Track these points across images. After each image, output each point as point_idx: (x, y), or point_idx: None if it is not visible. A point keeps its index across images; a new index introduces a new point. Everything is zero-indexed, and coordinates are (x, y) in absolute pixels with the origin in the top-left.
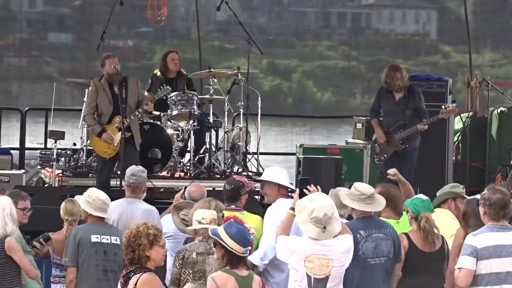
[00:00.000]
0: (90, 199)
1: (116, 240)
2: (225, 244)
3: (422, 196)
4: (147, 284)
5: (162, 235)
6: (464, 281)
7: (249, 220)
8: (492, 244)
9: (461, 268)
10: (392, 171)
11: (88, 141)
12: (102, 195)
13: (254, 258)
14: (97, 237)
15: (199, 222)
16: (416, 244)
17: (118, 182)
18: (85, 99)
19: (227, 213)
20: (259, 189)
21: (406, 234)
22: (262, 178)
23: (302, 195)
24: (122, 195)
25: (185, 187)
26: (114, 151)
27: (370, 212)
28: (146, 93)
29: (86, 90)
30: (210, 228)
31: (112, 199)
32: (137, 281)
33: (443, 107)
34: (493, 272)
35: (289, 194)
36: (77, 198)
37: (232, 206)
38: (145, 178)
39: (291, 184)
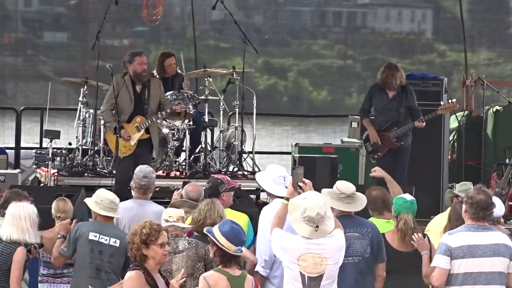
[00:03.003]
0: (98, 199)
1: (115, 243)
2: (216, 241)
3: (406, 196)
4: (128, 281)
5: (160, 234)
6: (438, 279)
7: (232, 217)
8: (466, 243)
9: (435, 266)
10: (375, 168)
11: (84, 141)
12: (110, 195)
13: (257, 268)
14: (95, 235)
15: (166, 221)
16: (391, 244)
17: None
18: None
19: None
20: (247, 188)
21: (382, 234)
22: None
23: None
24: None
25: (184, 183)
26: (130, 150)
27: (349, 211)
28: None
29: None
30: (181, 225)
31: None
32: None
33: (442, 102)
34: (467, 272)
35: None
36: (86, 200)
37: None
38: (154, 178)
39: (284, 182)
